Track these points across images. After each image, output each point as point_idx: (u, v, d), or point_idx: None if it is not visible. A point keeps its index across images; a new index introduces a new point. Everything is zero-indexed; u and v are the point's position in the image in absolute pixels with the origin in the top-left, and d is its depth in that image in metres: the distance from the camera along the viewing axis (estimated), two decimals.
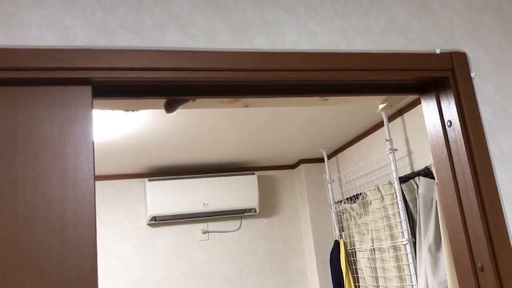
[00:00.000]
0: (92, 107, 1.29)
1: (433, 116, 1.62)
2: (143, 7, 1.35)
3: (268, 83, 1.47)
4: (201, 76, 1.35)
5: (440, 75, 1.55)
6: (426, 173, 2.96)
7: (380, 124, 3.60)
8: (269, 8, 1.46)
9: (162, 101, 1.55)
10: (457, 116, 1.53)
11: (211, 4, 1.41)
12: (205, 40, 1.37)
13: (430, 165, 2.86)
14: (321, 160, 4.48)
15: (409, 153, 3.29)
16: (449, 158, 1.55)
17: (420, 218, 2.97)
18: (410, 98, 3.08)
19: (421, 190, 2.99)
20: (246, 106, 1.80)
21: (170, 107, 1.53)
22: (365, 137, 3.86)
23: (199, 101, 1.63)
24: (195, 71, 1.34)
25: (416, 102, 3.14)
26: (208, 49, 1.37)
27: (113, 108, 1.56)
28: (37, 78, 1.23)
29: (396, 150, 3.24)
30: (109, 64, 1.28)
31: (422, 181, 2.99)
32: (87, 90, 1.29)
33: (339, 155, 4.32)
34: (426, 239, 2.91)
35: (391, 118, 3.43)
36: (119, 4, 1.33)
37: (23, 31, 1.24)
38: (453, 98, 1.54)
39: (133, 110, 1.67)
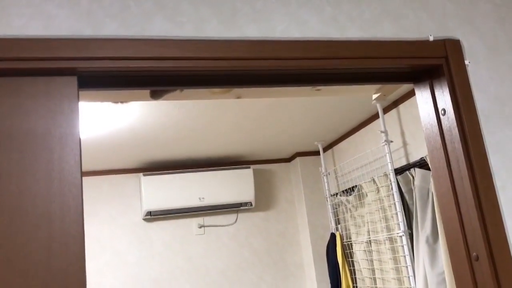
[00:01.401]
0: (78, 98, 1.26)
1: (427, 105, 1.60)
2: None
3: (259, 72, 1.45)
4: (189, 65, 1.32)
5: (434, 63, 1.53)
6: (422, 164, 2.94)
7: (375, 116, 3.57)
8: None
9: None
10: (451, 105, 1.50)
11: None
12: (193, 29, 1.34)
13: (425, 156, 2.84)
14: (316, 153, 4.46)
15: (405, 144, 3.28)
16: (443, 147, 1.53)
17: (417, 210, 2.95)
18: (404, 89, 3.06)
19: (417, 182, 2.97)
20: (238, 97, 1.78)
21: (156, 94, 1.49)
22: (360, 129, 3.84)
23: (190, 91, 1.60)
24: (183, 60, 1.31)
25: (411, 93, 3.12)
26: (196, 37, 1.34)
27: (101, 100, 1.53)
28: (21, 68, 1.20)
29: (391, 141, 3.22)
30: (94, 54, 1.25)
31: (417, 172, 2.97)
32: (73, 80, 1.26)
33: (334, 147, 4.30)
34: (423, 231, 2.89)
35: (386, 110, 3.41)
36: None
37: (5, 20, 1.21)
38: (447, 86, 1.52)
39: (122, 102, 1.64)
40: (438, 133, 1.55)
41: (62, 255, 1.16)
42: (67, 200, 1.19)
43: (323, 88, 1.75)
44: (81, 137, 3.06)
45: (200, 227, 4.36)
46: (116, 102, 1.64)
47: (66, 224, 1.17)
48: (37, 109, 1.22)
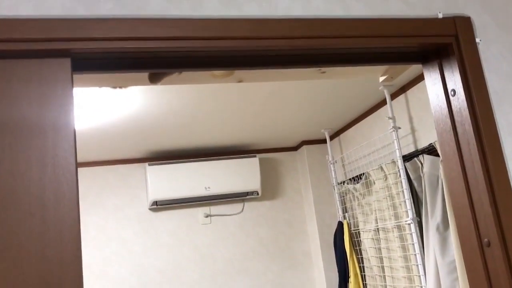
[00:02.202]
0: (72, 82, 1.22)
1: (435, 86, 1.53)
2: None
3: (260, 53, 1.39)
4: (187, 45, 1.26)
5: (443, 42, 1.46)
6: (430, 150, 2.88)
7: (382, 103, 3.50)
8: None
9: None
10: (461, 85, 1.44)
11: None
12: (190, 7, 1.29)
13: (434, 142, 2.77)
14: (323, 141, 4.40)
15: (413, 131, 3.21)
16: (453, 130, 1.47)
17: (427, 197, 2.89)
18: (412, 73, 2.98)
19: (425, 168, 2.91)
20: (240, 81, 1.72)
21: (154, 78, 1.44)
22: (367, 116, 3.77)
23: (189, 75, 1.55)
24: (181, 40, 1.26)
25: (419, 78, 3.04)
26: (194, 16, 1.28)
27: (97, 84, 1.48)
28: (11, 50, 1.16)
29: (399, 128, 3.15)
30: (88, 34, 1.20)
31: (426, 159, 2.91)
32: (66, 62, 1.21)
33: (341, 135, 4.24)
34: (433, 219, 2.83)
35: (393, 95, 3.33)
36: None
37: None
38: (457, 65, 1.45)
39: (120, 87, 1.60)
40: (448, 115, 1.48)
41: (57, 243, 1.12)
42: (62, 187, 1.14)
43: (328, 70, 1.69)
44: (76, 126, 3.03)
45: (206, 217, 4.33)
46: (114, 87, 1.59)
47: (60, 211, 1.13)
48: (29, 93, 1.17)
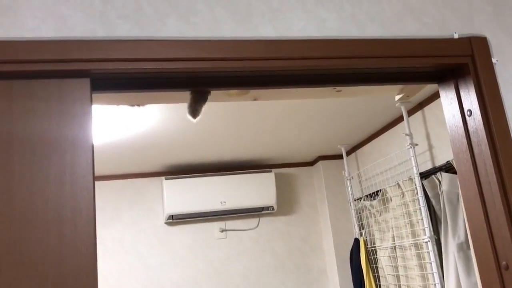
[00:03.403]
0: (91, 101, 1.25)
1: (451, 106, 1.53)
2: None
3: (276, 73, 1.41)
4: (204, 66, 1.28)
5: (459, 62, 1.46)
6: (448, 168, 2.85)
7: (399, 119, 3.48)
8: None
9: (166, 94, 1.49)
10: (477, 105, 1.43)
11: None
12: (207, 29, 1.31)
13: (451, 160, 2.74)
14: (339, 156, 4.39)
15: (430, 147, 3.18)
16: (469, 150, 1.46)
17: (447, 216, 2.85)
18: (429, 90, 2.97)
19: (444, 186, 2.88)
20: (255, 99, 1.74)
21: (195, 112, 1.47)
22: (384, 132, 3.75)
23: None
24: (197, 61, 1.28)
25: (437, 95, 3.02)
26: (211, 38, 1.30)
27: (116, 103, 1.51)
28: (33, 70, 1.19)
29: (416, 144, 3.13)
30: (107, 55, 1.23)
31: (445, 176, 2.88)
32: (86, 82, 1.24)
33: (358, 151, 4.22)
34: (456, 237, 2.79)
35: (411, 112, 3.32)
36: None
37: (18, 22, 1.20)
38: (473, 85, 1.44)
39: (138, 105, 1.62)
40: (464, 135, 1.47)
41: (73, 260, 1.13)
42: (79, 204, 1.16)
43: (343, 89, 1.69)
44: (95, 141, 3.08)
45: (222, 231, 4.33)
46: (132, 105, 1.62)
47: (77, 228, 1.15)
48: (49, 112, 1.20)
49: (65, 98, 1.22)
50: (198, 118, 1.53)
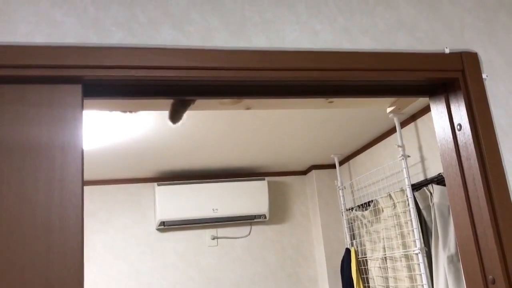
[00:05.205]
0: (82, 107, 1.25)
1: (442, 119, 1.54)
2: (136, 3, 1.30)
3: (268, 83, 1.41)
4: (196, 75, 1.29)
5: (450, 76, 1.47)
6: (439, 180, 2.86)
7: (392, 130, 3.50)
8: (268, 5, 1.40)
9: (158, 102, 1.50)
10: (467, 120, 1.45)
11: (207, 1, 1.36)
12: (200, 38, 1.32)
13: (442, 172, 2.76)
14: (332, 166, 4.40)
15: (422, 159, 3.20)
16: (458, 164, 1.47)
17: (438, 228, 2.86)
18: (422, 102, 2.99)
19: (435, 199, 2.89)
20: (248, 108, 1.74)
21: (175, 117, 1.47)
22: (377, 143, 3.77)
23: (198, 102, 1.57)
24: (190, 70, 1.28)
25: (429, 108, 3.04)
26: (204, 47, 1.31)
27: (108, 108, 1.51)
28: (25, 76, 1.19)
29: (408, 156, 3.14)
30: (100, 62, 1.24)
31: (436, 189, 2.89)
32: (77, 89, 1.24)
33: (351, 161, 4.24)
34: (446, 250, 2.79)
35: (403, 123, 3.34)
36: (112, 0, 1.29)
37: (11, 27, 1.20)
38: (463, 100, 1.46)
39: (131, 112, 1.63)
40: (454, 149, 1.49)
41: (61, 266, 1.13)
42: (67, 211, 1.16)
43: (335, 100, 1.70)
44: (85, 147, 3.08)
45: (213, 239, 4.32)
46: (124, 111, 1.62)
47: (65, 234, 1.15)
48: (40, 117, 1.20)
49: (56, 103, 1.22)
50: (179, 123, 1.53)
